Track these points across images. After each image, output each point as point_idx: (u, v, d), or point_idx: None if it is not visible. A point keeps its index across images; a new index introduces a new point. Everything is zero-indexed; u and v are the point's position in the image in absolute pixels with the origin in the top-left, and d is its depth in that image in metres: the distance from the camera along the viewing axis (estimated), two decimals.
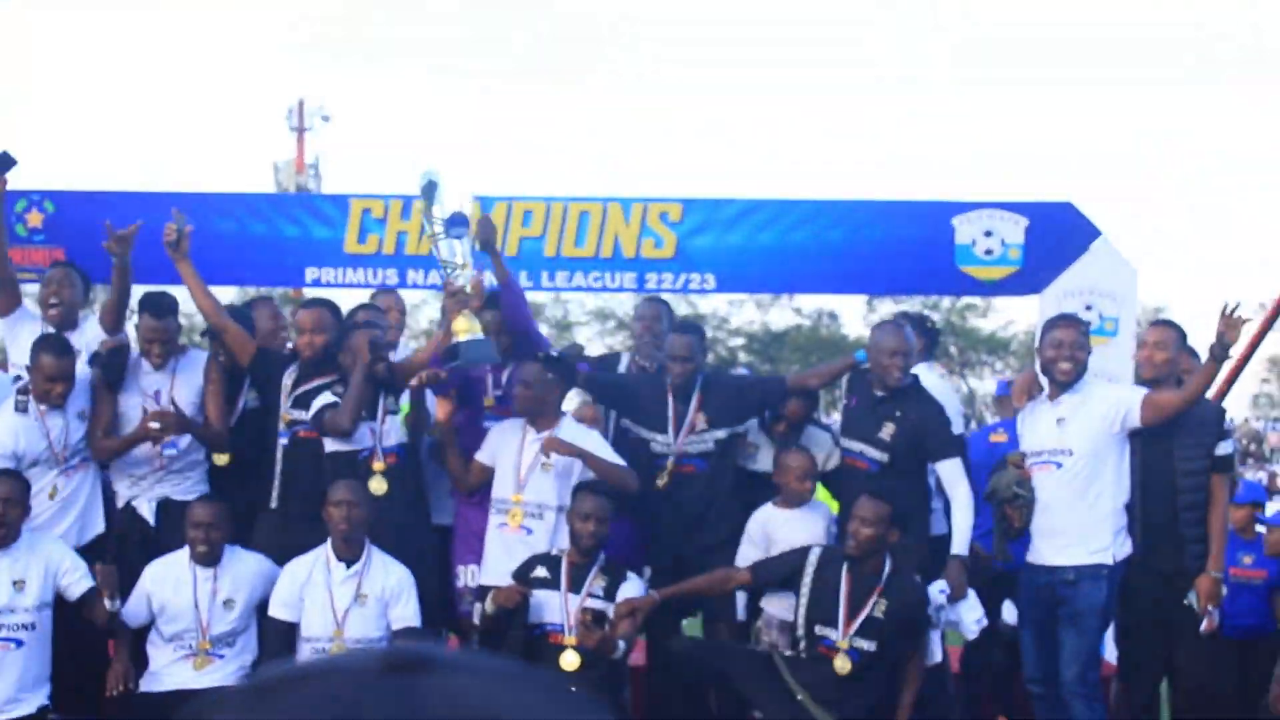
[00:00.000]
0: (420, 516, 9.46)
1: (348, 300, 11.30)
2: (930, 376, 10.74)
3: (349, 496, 8.68)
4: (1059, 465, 9.36)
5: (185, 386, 9.45)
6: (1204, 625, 9.12)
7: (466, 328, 8.92)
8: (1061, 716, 9.49)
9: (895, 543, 8.88)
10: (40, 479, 9.14)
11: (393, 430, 9.30)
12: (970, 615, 9.34)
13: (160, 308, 9.47)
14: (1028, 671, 9.60)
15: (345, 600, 8.62)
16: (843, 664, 8.58)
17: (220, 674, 8.77)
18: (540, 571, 8.78)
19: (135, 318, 9.81)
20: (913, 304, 70.83)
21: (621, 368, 10.77)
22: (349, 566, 8.67)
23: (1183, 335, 9.86)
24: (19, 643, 8.53)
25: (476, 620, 9.00)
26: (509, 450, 8.97)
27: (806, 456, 9.47)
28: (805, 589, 8.72)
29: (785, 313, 66.50)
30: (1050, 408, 9.53)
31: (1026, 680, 9.63)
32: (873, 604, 8.66)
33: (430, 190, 8.88)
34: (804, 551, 8.83)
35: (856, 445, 9.68)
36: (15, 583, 8.54)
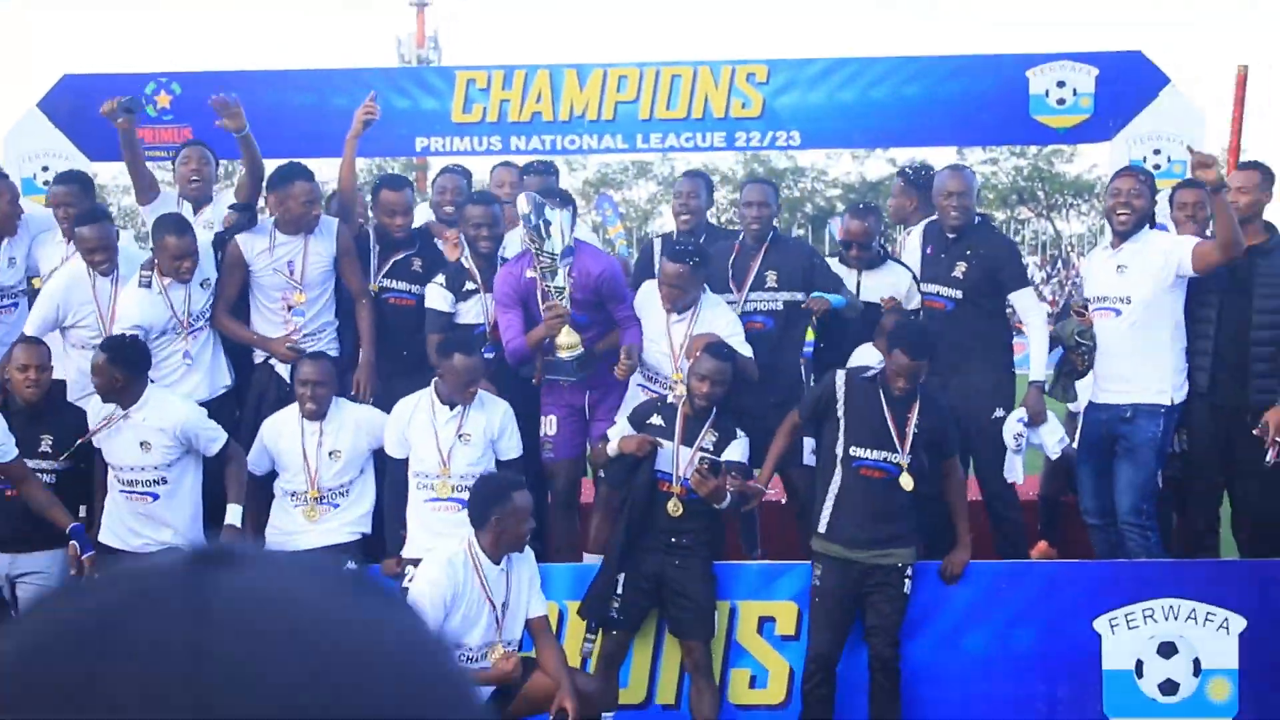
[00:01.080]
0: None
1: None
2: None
3: (467, 360, 8.77)
4: (1118, 312, 9.31)
5: (317, 253, 9.67)
6: (1270, 455, 9.04)
7: (569, 343, 9.01)
8: (1113, 546, 9.55)
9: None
10: (168, 346, 9.35)
11: None
12: (1052, 437, 9.43)
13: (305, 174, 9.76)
14: (1084, 504, 9.64)
15: (449, 439, 8.79)
16: (906, 481, 8.61)
17: (336, 522, 9.01)
18: (656, 420, 8.85)
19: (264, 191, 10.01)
20: (1000, 153, 70.11)
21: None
22: (451, 409, 8.82)
23: (1268, 176, 9.74)
24: (154, 496, 8.78)
25: (599, 460, 9.08)
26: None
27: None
28: (840, 415, 8.70)
29: (880, 163, 66.08)
30: (1111, 255, 9.48)
31: (1083, 513, 9.66)
32: (913, 422, 8.65)
33: (542, 223, 8.90)
34: (831, 380, 8.81)
35: (933, 287, 9.75)
36: (141, 444, 8.74)
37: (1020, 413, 9.31)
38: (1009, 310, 10.04)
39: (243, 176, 10.15)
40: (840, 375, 8.76)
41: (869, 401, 8.61)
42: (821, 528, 8.66)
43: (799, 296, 9.63)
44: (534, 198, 8.95)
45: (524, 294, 9.20)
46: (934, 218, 10.07)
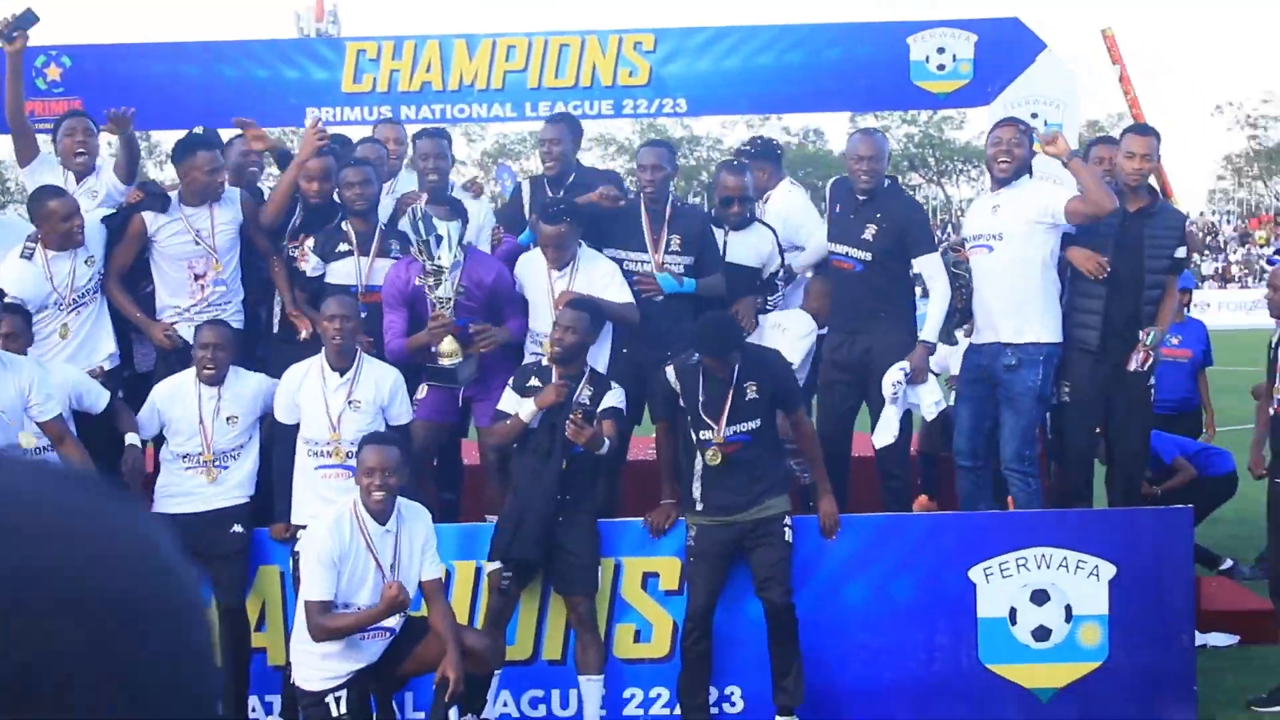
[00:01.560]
0: None
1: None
2: (794, 192, 11.26)
3: (341, 311, 8.76)
4: (990, 249, 9.48)
5: (224, 223, 9.58)
6: (1134, 362, 9.23)
7: (450, 350, 9.05)
8: (984, 491, 9.70)
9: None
10: (50, 321, 9.19)
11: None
12: (929, 397, 9.46)
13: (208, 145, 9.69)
14: (958, 445, 9.73)
15: (339, 405, 8.72)
16: (713, 456, 8.60)
17: (228, 484, 8.88)
18: (534, 382, 8.82)
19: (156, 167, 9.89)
20: (893, 120, 70.54)
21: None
22: (341, 375, 8.76)
23: (1158, 141, 9.79)
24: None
25: (514, 434, 9.01)
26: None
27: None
28: (682, 404, 8.72)
29: (774, 130, 66.27)
30: (989, 198, 9.76)
31: (955, 454, 9.76)
32: (744, 390, 8.64)
33: (432, 238, 8.95)
34: (663, 376, 8.79)
35: (841, 248, 9.70)
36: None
37: (904, 364, 9.33)
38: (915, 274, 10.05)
39: (118, 159, 9.95)
40: (669, 369, 8.76)
41: (699, 385, 8.63)
42: (696, 505, 8.68)
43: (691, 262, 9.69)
44: (421, 211, 8.96)
45: (410, 297, 9.26)
46: (841, 176, 10.13)
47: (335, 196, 9.82)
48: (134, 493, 7.62)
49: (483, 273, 9.44)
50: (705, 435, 8.59)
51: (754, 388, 8.59)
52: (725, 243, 9.93)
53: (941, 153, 65.21)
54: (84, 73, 11.28)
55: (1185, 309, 13.01)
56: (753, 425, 8.60)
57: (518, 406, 8.71)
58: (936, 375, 9.80)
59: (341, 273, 9.59)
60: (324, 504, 8.27)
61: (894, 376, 9.29)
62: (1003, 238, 9.42)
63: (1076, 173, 9.18)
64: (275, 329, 9.84)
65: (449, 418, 9.71)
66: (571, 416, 8.40)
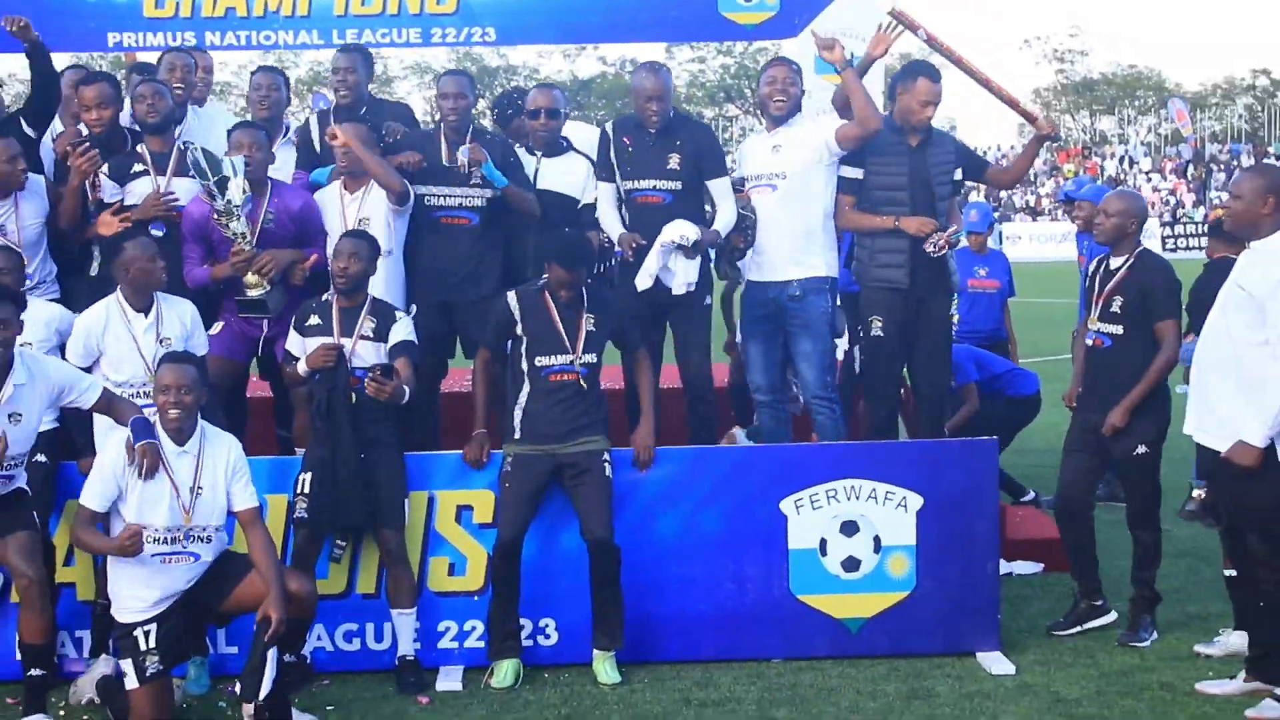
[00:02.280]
0: None
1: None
2: (584, 129, 11.26)
3: (140, 252, 8.68)
4: (774, 188, 9.75)
5: (29, 214, 9.55)
6: (933, 245, 9.51)
7: (254, 281, 9.32)
8: (784, 424, 10.01)
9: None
10: None
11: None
12: (682, 275, 9.55)
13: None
14: (754, 382, 9.97)
15: (151, 345, 8.65)
16: (559, 382, 8.75)
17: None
18: (314, 320, 8.82)
19: None
20: (708, 50, 70.63)
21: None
22: (145, 315, 8.69)
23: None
24: None
25: (295, 381, 9.02)
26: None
27: None
28: (519, 331, 8.80)
29: (591, 62, 66.23)
30: (767, 137, 9.92)
31: (753, 390, 10.00)
32: (584, 321, 8.78)
33: (217, 181, 9.01)
34: (504, 303, 8.87)
35: (647, 182, 9.75)
36: None
37: (689, 230, 9.48)
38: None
39: None
40: (511, 296, 8.85)
41: (541, 313, 8.71)
42: (516, 434, 8.75)
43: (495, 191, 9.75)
44: (203, 150, 9.11)
45: (206, 229, 9.40)
46: (623, 115, 10.19)
47: (126, 120, 9.77)
48: None
49: (290, 201, 9.59)
50: (545, 361, 8.69)
51: (593, 320, 8.72)
52: (537, 171, 10.00)
53: (757, 84, 65.47)
54: None
55: (987, 242, 13.34)
56: (590, 359, 8.72)
57: (299, 351, 8.84)
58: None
59: (139, 193, 9.64)
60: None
61: (675, 231, 9.44)
62: (785, 176, 9.71)
63: (848, 84, 9.57)
64: (95, 271, 9.73)
65: (241, 356, 9.77)
66: (371, 376, 8.43)
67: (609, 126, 10.18)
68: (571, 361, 8.68)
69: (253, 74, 10.98)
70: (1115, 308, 9.10)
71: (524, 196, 9.78)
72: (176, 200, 9.52)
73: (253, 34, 11.93)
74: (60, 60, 10.58)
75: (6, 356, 7.70)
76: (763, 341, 9.85)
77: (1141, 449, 9.10)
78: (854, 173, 9.70)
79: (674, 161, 9.68)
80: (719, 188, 9.80)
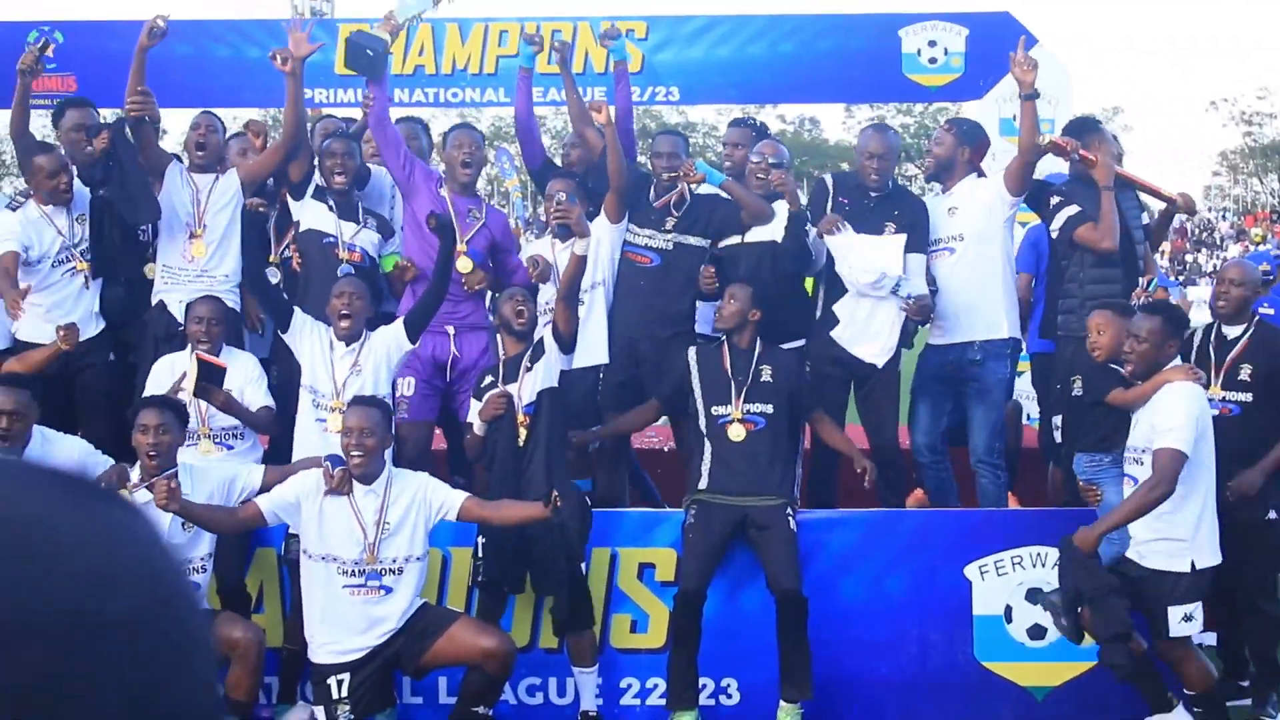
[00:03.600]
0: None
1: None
2: None
3: (350, 289, 9.02)
4: (951, 250, 9.74)
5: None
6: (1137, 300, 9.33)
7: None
8: (948, 485, 9.92)
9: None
10: (61, 273, 9.52)
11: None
12: (917, 280, 9.58)
13: None
14: (916, 442, 9.94)
15: (344, 372, 8.96)
16: (737, 432, 8.90)
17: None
18: (488, 380, 9.00)
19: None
20: (888, 111, 70.79)
21: None
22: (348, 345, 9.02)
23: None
24: None
25: (475, 452, 9.18)
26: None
27: None
28: (695, 385, 9.04)
29: (770, 119, 66.34)
30: (943, 199, 9.94)
31: (915, 451, 9.95)
32: (755, 372, 8.98)
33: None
34: (685, 361, 9.15)
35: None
36: None
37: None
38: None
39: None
40: (691, 351, 9.19)
41: (715, 362, 9.08)
42: (701, 484, 8.89)
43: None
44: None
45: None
46: (841, 170, 10.28)
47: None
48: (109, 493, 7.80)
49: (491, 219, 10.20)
50: (718, 411, 8.90)
51: (770, 372, 8.91)
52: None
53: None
54: (77, 49, 11.43)
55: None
56: (767, 409, 8.86)
57: (473, 417, 9.01)
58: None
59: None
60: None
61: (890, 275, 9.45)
62: (963, 238, 9.69)
63: (1027, 112, 9.59)
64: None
65: (429, 415, 9.97)
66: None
67: (829, 179, 10.23)
68: (749, 412, 8.87)
69: (446, 133, 11.19)
70: (1244, 375, 9.01)
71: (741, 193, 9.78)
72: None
73: (440, 90, 12.23)
74: (246, 115, 10.90)
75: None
76: (931, 402, 9.86)
77: (1272, 514, 8.98)
78: (1072, 209, 9.62)
79: (889, 231, 9.63)
80: (916, 264, 9.68)
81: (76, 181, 9.55)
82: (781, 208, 9.67)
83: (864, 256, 9.42)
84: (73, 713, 0.86)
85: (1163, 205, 10.44)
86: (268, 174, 9.95)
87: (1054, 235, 9.82)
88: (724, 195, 9.78)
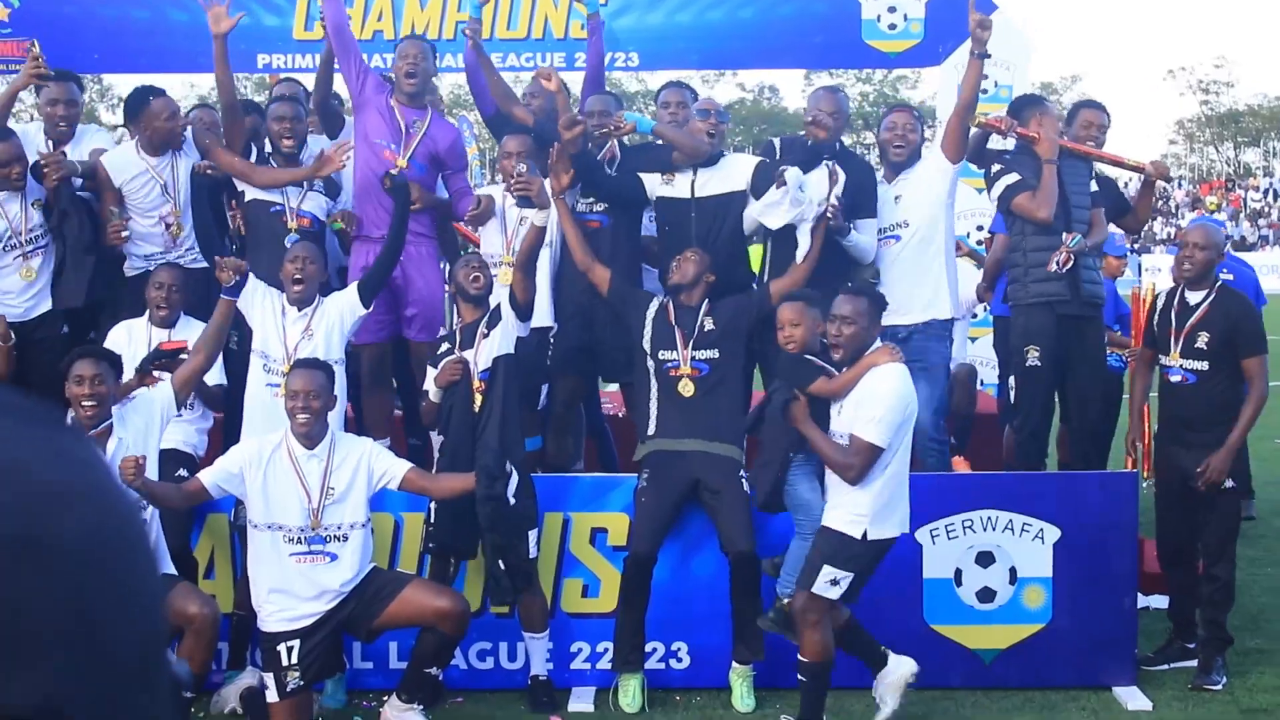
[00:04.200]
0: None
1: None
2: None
3: (303, 254, 9.04)
4: (897, 238, 9.72)
5: (187, 169, 9.85)
6: (1060, 258, 9.38)
7: None
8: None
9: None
10: (9, 263, 9.55)
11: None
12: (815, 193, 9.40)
13: None
14: None
15: (295, 337, 8.95)
16: (685, 386, 8.95)
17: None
18: (444, 347, 9.00)
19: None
20: (847, 79, 70.90)
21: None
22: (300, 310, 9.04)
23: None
24: None
25: (431, 419, 9.15)
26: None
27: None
28: (647, 330, 9.09)
29: (730, 87, 66.40)
30: (888, 189, 9.84)
31: None
32: (700, 324, 9.01)
33: None
34: (643, 307, 9.18)
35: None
36: None
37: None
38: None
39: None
40: (655, 302, 9.25)
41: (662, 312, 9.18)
42: (650, 430, 8.92)
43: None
44: None
45: None
46: (790, 135, 10.25)
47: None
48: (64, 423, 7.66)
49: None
50: (666, 357, 8.98)
51: (711, 322, 9.00)
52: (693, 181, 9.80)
53: (878, 130, 65.45)
54: (32, 13, 11.31)
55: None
56: (712, 355, 8.92)
57: (430, 384, 9.02)
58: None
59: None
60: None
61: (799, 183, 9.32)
62: (908, 225, 9.68)
63: (973, 70, 9.61)
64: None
65: (384, 334, 9.97)
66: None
67: (777, 142, 10.21)
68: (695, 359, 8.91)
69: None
70: (1200, 344, 8.99)
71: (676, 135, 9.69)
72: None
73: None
74: (205, 81, 10.82)
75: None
76: None
77: (1229, 483, 8.98)
78: (1011, 178, 9.64)
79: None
80: (867, 227, 9.66)
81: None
82: (747, 158, 9.69)
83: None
84: (18, 637, 0.84)
85: (1134, 176, 10.38)
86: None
87: (994, 203, 9.87)
88: (656, 142, 9.82)
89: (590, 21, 10.42)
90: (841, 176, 9.26)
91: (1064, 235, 9.43)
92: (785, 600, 8.14)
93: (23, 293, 9.52)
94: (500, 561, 8.29)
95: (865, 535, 7.84)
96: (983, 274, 11.41)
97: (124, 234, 9.44)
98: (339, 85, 10.46)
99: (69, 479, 0.91)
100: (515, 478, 8.39)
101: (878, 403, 7.79)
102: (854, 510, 7.85)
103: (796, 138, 10.08)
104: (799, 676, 7.96)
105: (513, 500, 8.35)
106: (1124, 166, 10.22)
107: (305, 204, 9.76)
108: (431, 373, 8.94)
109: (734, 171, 9.58)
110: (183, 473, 8.65)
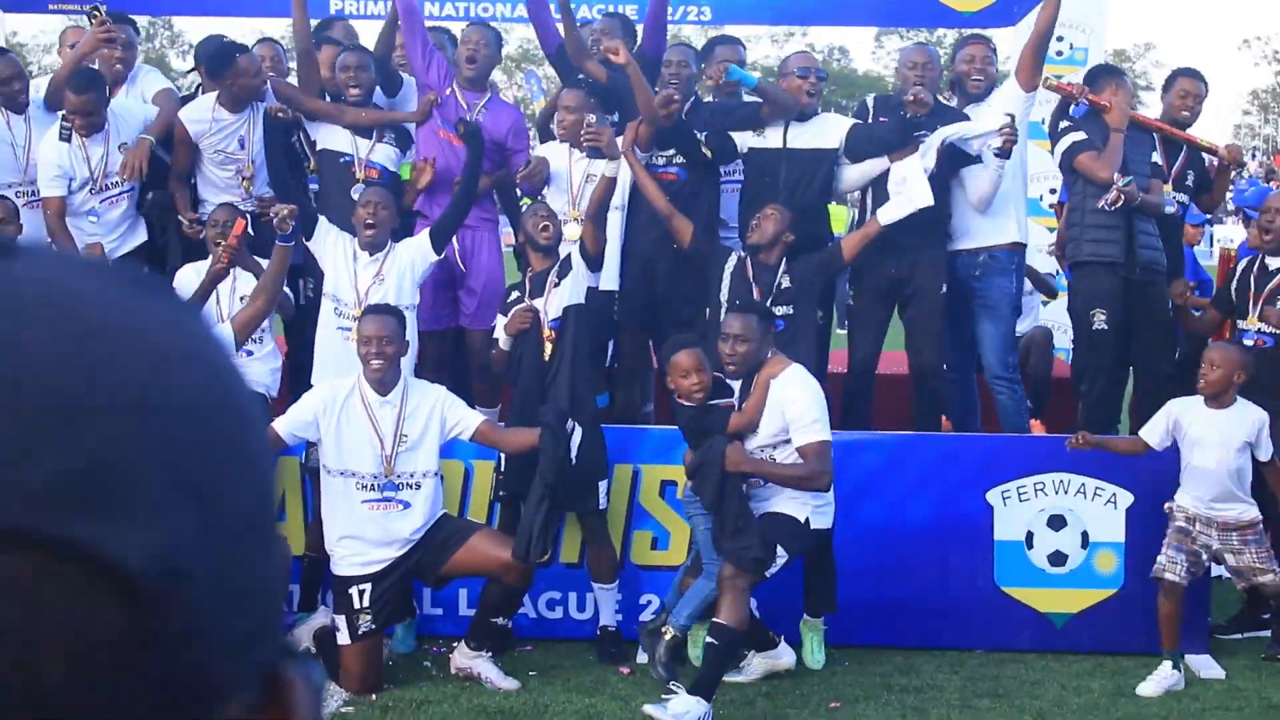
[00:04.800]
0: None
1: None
2: None
3: (376, 199, 9.03)
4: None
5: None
6: (1109, 197, 9.22)
7: None
8: (968, 401, 9.96)
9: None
10: (83, 205, 9.57)
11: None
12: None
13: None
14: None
15: (366, 281, 8.97)
16: None
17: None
18: (513, 295, 8.98)
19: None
20: (918, 37, 70.74)
21: None
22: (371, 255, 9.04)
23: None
24: None
25: (501, 365, 9.12)
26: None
27: None
28: (725, 287, 9.07)
29: (799, 48, 66.11)
30: (971, 111, 9.76)
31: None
32: (778, 282, 9.02)
33: None
34: (720, 261, 9.20)
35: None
36: None
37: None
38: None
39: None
40: (734, 257, 9.24)
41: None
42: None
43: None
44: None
45: None
46: (882, 94, 10.20)
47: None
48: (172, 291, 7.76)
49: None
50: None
51: (788, 279, 9.05)
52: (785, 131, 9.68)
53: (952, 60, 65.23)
54: None
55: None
56: (788, 311, 8.97)
57: (499, 332, 9.01)
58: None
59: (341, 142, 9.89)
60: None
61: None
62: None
63: (1047, 17, 9.54)
64: None
65: (444, 322, 9.98)
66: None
67: (870, 100, 10.20)
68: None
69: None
70: None
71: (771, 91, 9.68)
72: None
73: (470, 5, 12.13)
74: (272, 27, 10.81)
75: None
76: (950, 320, 9.79)
77: None
78: (1077, 135, 9.54)
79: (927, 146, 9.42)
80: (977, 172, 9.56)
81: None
82: (842, 118, 9.59)
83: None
84: (132, 496, 0.84)
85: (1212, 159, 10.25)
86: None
87: (1057, 160, 9.78)
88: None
89: None
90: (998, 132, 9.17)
91: (1116, 176, 9.29)
92: (670, 632, 8.10)
93: (110, 232, 9.59)
94: (538, 518, 8.18)
95: (808, 522, 7.93)
96: (1055, 238, 11.31)
97: (201, 234, 9.44)
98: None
99: (181, 343, 0.91)
100: (579, 433, 8.32)
101: (803, 408, 7.83)
102: (801, 499, 7.93)
103: (890, 96, 10.03)
104: (709, 639, 7.80)
105: (575, 460, 8.29)
106: (1198, 147, 10.07)
107: (374, 155, 9.73)
108: (501, 320, 8.93)
109: (828, 129, 9.53)
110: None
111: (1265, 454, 8.32)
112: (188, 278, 9.01)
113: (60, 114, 9.46)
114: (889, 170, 9.29)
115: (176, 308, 0.95)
